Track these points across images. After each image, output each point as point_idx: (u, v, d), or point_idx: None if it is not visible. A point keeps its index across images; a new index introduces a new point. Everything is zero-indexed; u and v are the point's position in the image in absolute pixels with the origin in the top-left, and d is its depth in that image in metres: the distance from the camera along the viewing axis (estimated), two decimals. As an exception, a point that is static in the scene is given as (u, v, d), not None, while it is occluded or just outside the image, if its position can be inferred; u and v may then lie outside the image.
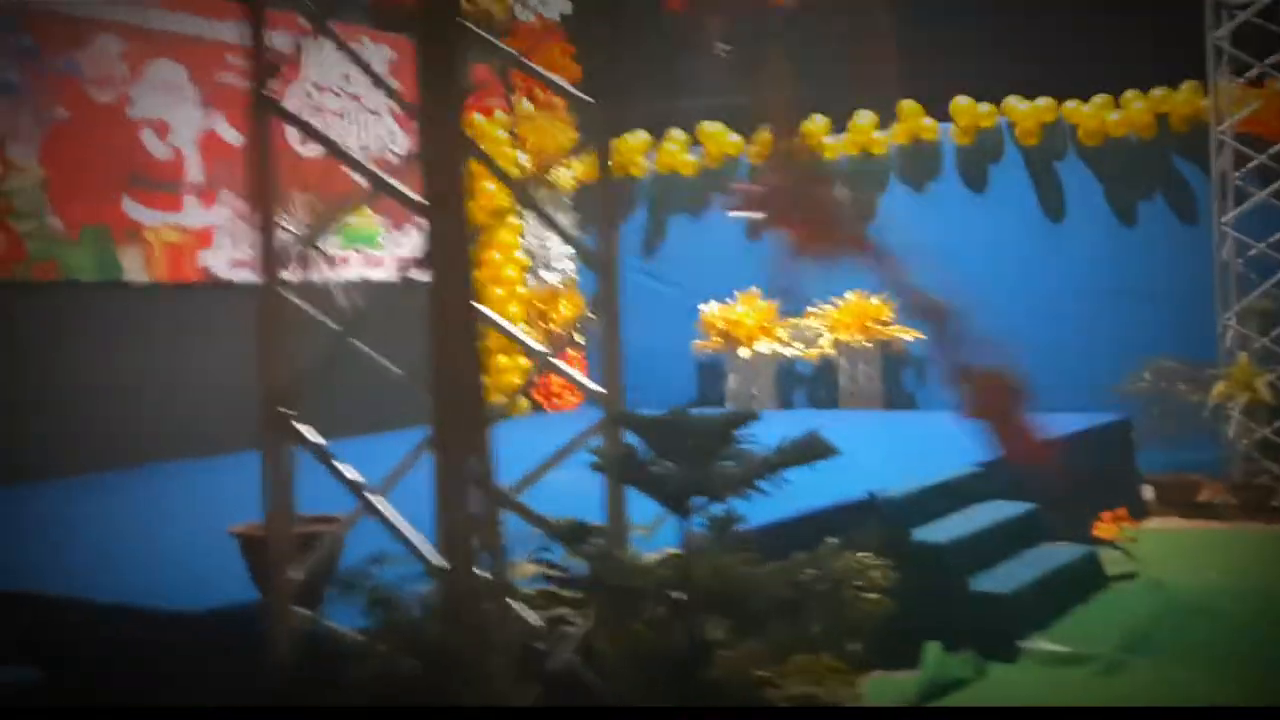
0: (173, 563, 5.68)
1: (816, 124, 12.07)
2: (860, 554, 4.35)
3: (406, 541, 4.15)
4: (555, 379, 12.19)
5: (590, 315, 11.90)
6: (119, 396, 8.81)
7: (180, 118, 9.44)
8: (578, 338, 11.85)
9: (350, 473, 4.34)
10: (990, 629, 6.63)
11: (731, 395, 12.13)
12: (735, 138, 12.51)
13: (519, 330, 5.82)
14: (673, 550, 4.27)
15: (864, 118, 12.07)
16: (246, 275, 9.15)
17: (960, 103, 11.69)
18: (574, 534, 4.32)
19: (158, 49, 9.44)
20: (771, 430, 4.23)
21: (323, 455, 4.37)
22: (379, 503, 4.28)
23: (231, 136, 9.63)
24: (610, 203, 4.55)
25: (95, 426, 8.65)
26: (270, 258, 4.45)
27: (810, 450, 4.04)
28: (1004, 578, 7.13)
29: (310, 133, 4.55)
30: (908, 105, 11.82)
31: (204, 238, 9.66)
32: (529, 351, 5.05)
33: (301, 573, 4.40)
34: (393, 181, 4.31)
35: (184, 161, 9.53)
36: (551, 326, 12.08)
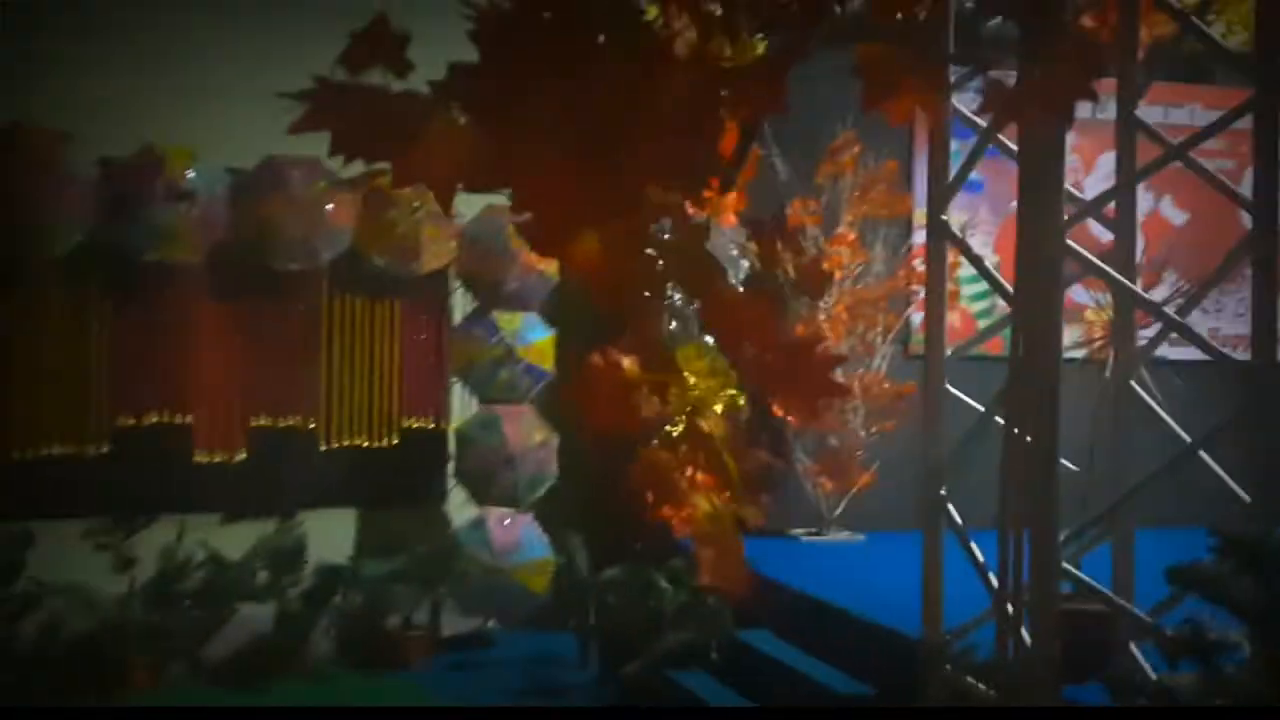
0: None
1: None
2: None
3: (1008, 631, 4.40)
4: None
5: None
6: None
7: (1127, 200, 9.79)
8: None
9: (980, 556, 4.67)
10: None
11: None
12: None
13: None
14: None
15: None
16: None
17: None
18: (1188, 646, 4.19)
19: (1106, 141, 9.91)
20: None
21: (962, 539, 4.76)
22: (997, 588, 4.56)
23: (1174, 217, 9.73)
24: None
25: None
26: (937, 361, 4.99)
27: None
28: None
29: (973, 260, 4.96)
30: None
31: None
32: None
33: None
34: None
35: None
36: None
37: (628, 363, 2.94)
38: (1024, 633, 4.20)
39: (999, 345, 9.66)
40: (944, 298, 5.07)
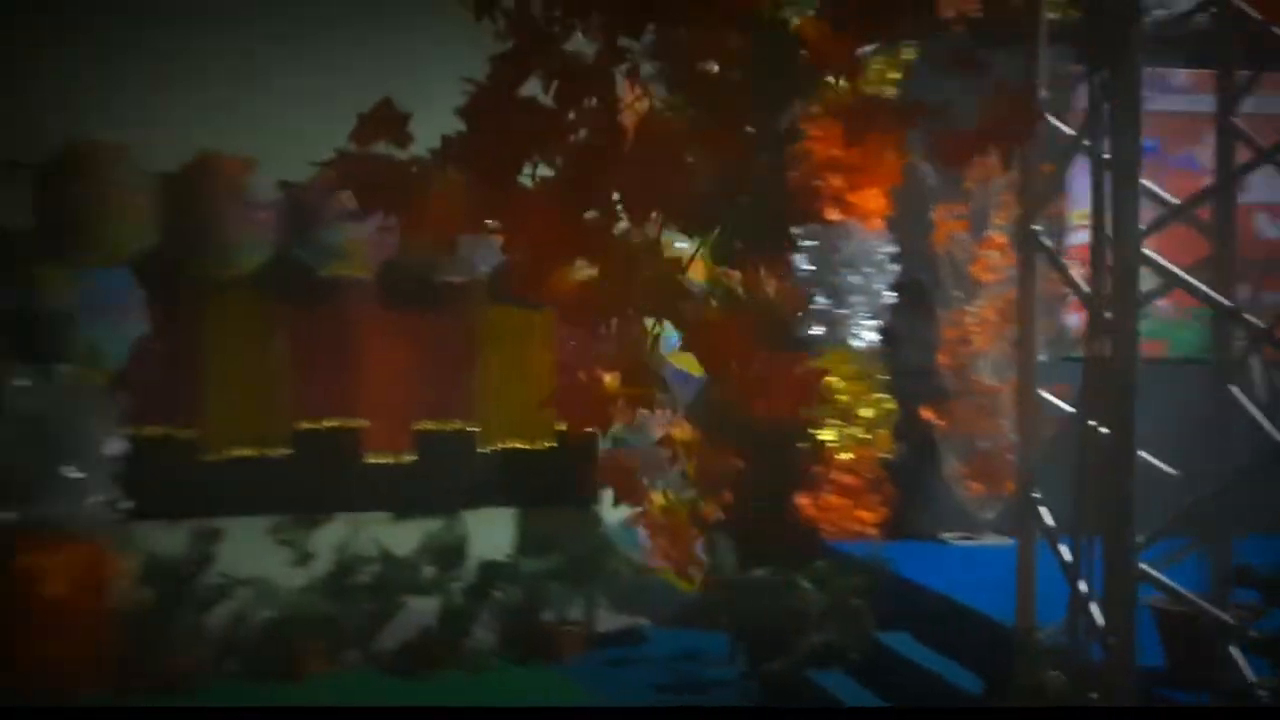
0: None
1: None
2: None
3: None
4: None
5: None
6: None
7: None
8: None
9: (1068, 555, 4.71)
10: None
11: None
12: None
13: None
14: None
15: None
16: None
17: None
18: (1272, 649, 4.21)
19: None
20: None
21: (1051, 541, 4.80)
22: (1083, 587, 4.59)
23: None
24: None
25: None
26: (1028, 365, 5.03)
27: None
28: None
29: (1059, 269, 4.99)
30: None
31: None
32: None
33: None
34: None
35: (1303, 242, 9.47)
36: None
37: (609, 378, 3.19)
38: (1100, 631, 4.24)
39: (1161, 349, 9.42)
40: (1034, 305, 5.11)
